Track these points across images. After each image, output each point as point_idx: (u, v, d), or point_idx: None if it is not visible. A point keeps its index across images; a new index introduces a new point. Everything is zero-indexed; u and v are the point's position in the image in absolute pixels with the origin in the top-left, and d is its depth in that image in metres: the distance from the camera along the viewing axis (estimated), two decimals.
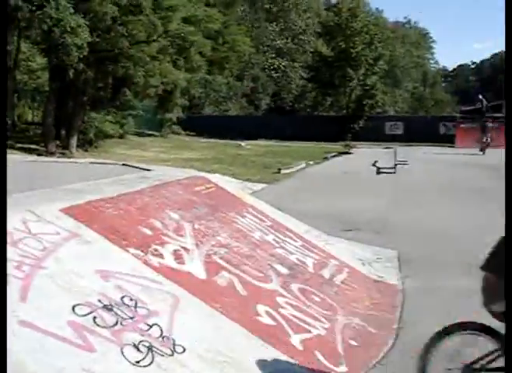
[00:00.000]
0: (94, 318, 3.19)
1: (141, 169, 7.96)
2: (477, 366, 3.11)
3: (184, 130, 32.91)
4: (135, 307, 3.49)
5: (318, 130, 33.45)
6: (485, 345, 3.11)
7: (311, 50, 41.93)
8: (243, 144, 28.58)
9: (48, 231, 3.89)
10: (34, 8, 12.26)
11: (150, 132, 31.07)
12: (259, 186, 12.88)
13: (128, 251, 4.13)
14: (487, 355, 3.09)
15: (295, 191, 12.62)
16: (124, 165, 8.74)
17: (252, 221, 6.46)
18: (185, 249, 4.69)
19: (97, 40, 16.17)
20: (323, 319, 4.46)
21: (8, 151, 14.25)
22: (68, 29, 12.47)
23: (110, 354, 3.01)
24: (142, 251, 4.23)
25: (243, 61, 38.21)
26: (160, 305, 3.65)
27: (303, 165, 18.93)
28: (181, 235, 4.96)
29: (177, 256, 4.47)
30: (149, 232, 4.70)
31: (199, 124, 35.44)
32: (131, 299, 3.53)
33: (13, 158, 9.48)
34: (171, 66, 21.69)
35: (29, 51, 25.03)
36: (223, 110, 42.75)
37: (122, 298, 3.49)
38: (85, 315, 3.17)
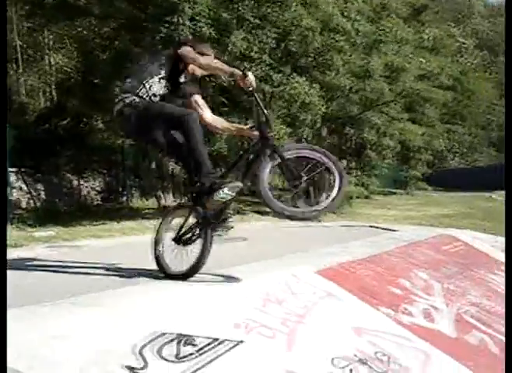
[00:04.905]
0: (351, 370, 3.50)
1: (387, 229, 8.25)
2: None
3: (430, 185, 32.45)
4: (388, 362, 3.72)
5: None
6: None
7: None
8: (494, 196, 27.09)
9: (306, 290, 4.38)
10: (275, 85, 13.71)
11: (395, 190, 31.24)
12: None
13: (378, 309, 4.41)
14: None
15: None
16: (371, 226, 9.13)
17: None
18: (434, 307, 4.81)
19: (334, 108, 17.27)
20: None
21: (263, 217, 15.69)
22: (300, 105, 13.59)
23: None
24: (393, 310, 4.47)
25: (489, 108, 36.68)
26: (412, 361, 3.82)
27: None
28: (430, 294, 5.09)
29: (427, 315, 4.61)
30: (398, 292, 4.95)
31: (446, 178, 34.63)
32: (384, 354, 3.77)
33: (267, 225, 10.49)
34: (409, 124, 21.95)
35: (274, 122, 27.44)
36: (470, 162, 41.18)
37: (376, 353, 3.76)
38: (342, 368, 3.49)
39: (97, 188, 20.50)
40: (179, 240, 4.67)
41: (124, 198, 20.70)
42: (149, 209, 17.81)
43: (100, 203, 19.62)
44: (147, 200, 20.21)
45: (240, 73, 4.17)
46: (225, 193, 4.16)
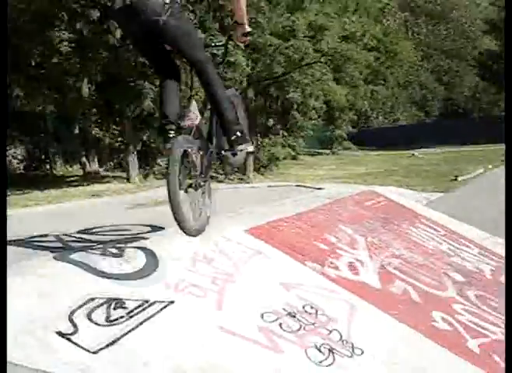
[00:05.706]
0: (280, 324, 3.61)
1: (313, 188, 8.45)
2: None
3: (354, 144, 33.18)
4: (316, 314, 3.87)
5: (496, 132, 31.68)
6: None
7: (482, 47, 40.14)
8: (416, 153, 28.08)
9: (235, 249, 4.46)
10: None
11: (321, 150, 31.79)
12: (435, 196, 12.65)
13: (305, 264, 4.55)
14: None
15: (472, 198, 12.23)
16: (298, 186, 9.32)
17: (425, 231, 6.58)
18: (359, 261, 5.01)
19: (259, 69, 17.26)
20: (502, 324, 4.48)
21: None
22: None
23: (296, 355, 3.41)
24: (319, 264, 4.63)
25: (411, 68, 37.59)
26: (339, 313, 3.99)
27: (481, 170, 18.14)
28: (355, 248, 5.29)
29: (352, 268, 4.80)
30: (324, 247, 5.11)
31: (370, 137, 35.48)
32: (312, 307, 3.91)
33: None
34: (334, 84, 22.23)
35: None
36: (393, 120, 42.32)
37: (304, 306, 3.90)
38: (272, 322, 3.61)
39: (19, 156, 19.82)
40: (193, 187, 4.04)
41: (48, 166, 20.12)
42: (73, 176, 17.42)
43: (23, 172, 19.01)
44: (71, 167, 19.74)
45: (247, 30, 4.24)
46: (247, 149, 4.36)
